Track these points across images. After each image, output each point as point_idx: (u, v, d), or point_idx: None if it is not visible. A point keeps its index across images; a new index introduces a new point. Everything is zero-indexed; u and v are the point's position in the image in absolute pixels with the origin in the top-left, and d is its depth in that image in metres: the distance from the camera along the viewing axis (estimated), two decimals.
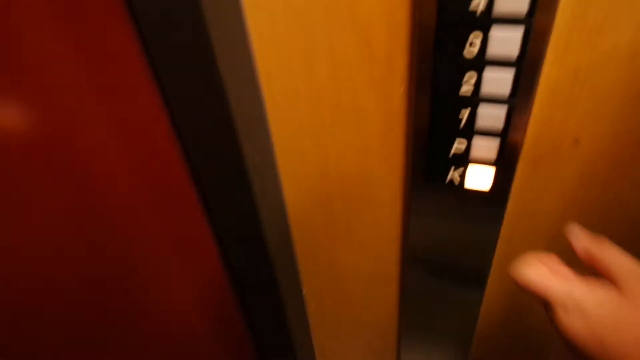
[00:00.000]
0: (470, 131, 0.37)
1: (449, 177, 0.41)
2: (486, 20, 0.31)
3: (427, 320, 0.60)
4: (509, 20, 0.31)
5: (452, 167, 0.40)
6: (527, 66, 0.33)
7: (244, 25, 0.38)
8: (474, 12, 0.31)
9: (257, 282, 0.61)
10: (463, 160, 0.39)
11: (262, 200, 0.50)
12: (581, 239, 0.31)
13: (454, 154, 0.39)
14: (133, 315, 0.58)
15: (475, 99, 0.35)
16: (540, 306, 0.30)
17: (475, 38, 0.32)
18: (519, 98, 0.34)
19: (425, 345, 0.64)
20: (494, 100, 0.35)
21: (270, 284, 0.60)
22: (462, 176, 0.40)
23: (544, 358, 0.57)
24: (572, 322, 0.27)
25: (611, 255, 0.28)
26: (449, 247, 0.49)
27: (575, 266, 0.42)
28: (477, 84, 0.34)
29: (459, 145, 0.38)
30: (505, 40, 0.32)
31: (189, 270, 0.60)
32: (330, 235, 0.56)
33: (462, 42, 0.32)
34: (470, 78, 0.34)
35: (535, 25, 0.31)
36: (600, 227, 0.43)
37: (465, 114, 0.36)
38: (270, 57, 0.40)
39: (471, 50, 0.33)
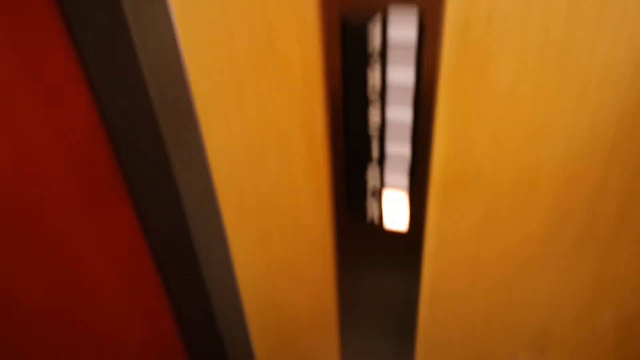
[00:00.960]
0: (381, 164, 0.40)
1: (368, 214, 0.43)
2: (383, 57, 0.35)
3: None
4: (403, 48, 0.34)
5: (369, 202, 0.42)
6: (423, 101, 0.36)
7: (186, 83, 0.42)
8: (371, 52, 0.35)
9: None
10: (378, 195, 0.42)
11: (204, 241, 0.52)
12: None
13: (369, 189, 0.41)
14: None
15: (382, 130, 0.38)
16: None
17: (375, 73, 0.36)
18: (420, 130, 0.37)
19: None
20: (398, 132, 0.38)
21: (210, 313, 0.59)
22: (380, 214, 0.43)
23: None
24: None
25: None
26: (378, 291, 0.50)
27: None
28: (383, 116, 0.37)
29: (372, 178, 0.41)
30: (401, 73, 0.35)
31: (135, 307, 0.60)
32: (272, 273, 0.56)
33: (364, 78, 0.36)
34: (375, 110, 0.37)
35: (425, 54, 0.34)
36: (515, 263, 0.44)
37: (375, 145, 0.39)
38: (208, 100, 0.44)
39: (372, 84, 0.36)
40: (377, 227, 0.45)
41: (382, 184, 0.41)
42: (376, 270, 0.49)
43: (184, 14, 0.39)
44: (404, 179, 0.40)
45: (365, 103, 0.37)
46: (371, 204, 0.43)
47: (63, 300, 0.50)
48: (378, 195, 0.42)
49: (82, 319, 0.52)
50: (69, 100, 0.43)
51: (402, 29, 0.33)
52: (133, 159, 0.46)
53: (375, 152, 0.39)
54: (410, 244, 0.45)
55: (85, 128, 0.45)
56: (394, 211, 0.42)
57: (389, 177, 0.40)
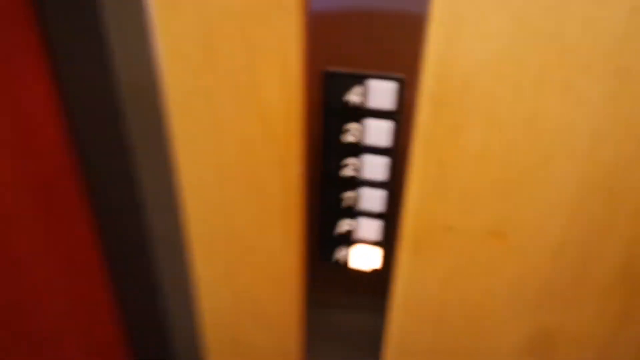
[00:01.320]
0: (354, 213, 0.41)
1: (335, 256, 0.43)
2: (361, 113, 0.36)
3: None
4: (381, 114, 0.36)
5: (339, 247, 0.43)
6: (398, 155, 0.37)
7: (161, 108, 0.42)
8: (351, 106, 0.36)
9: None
10: (349, 240, 0.42)
11: (170, 276, 0.51)
12: None
13: (341, 234, 0.42)
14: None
15: (356, 182, 0.39)
16: None
17: (353, 128, 0.36)
18: (394, 183, 0.38)
19: None
20: (373, 184, 0.39)
21: (169, 349, 0.58)
22: (347, 255, 0.43)
23: None
24: None
25: None
26: (344, 335, 0.50)
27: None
28: (358, 169, 0.38)
29: (344, 225, 0.41)
30: (378, 131, 0.36)
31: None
32: (236, 311, 0.55)
33: (342, 130, 0.37)
34: (351, 163, 0.38)
35: (403, 121, 0.36)
36: (479, 314, 0.45)
37: (348, 195, 0.40)
38: (184, 133, 0.43)
39: (350, 138, 0.37)
40: (346, 270, 0.45)
41: (353, 232, 0.42)
42: (343, 312, 0.49)
43: (167, 40, 0.39)
44: (375, 229, 0.41)
45: (342, 154, 0.38)
46: (342, 249, 0.43)
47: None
48: (349, 242, 0.42)
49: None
50: (39, 119, 0.42)
51: (382, 91, 0.34)
52: (100, 180, 0.45)
53: (348, 201, 0.40)
54: (378, 288, 0.45)
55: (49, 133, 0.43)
56: (365, 258, 0.43)
57: (361, 225, 0.41)
